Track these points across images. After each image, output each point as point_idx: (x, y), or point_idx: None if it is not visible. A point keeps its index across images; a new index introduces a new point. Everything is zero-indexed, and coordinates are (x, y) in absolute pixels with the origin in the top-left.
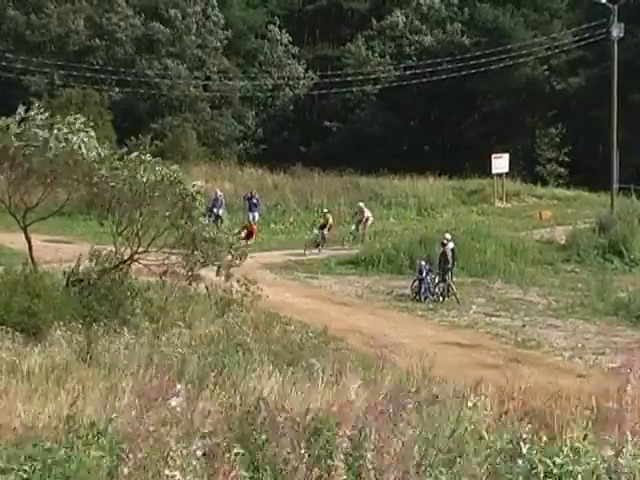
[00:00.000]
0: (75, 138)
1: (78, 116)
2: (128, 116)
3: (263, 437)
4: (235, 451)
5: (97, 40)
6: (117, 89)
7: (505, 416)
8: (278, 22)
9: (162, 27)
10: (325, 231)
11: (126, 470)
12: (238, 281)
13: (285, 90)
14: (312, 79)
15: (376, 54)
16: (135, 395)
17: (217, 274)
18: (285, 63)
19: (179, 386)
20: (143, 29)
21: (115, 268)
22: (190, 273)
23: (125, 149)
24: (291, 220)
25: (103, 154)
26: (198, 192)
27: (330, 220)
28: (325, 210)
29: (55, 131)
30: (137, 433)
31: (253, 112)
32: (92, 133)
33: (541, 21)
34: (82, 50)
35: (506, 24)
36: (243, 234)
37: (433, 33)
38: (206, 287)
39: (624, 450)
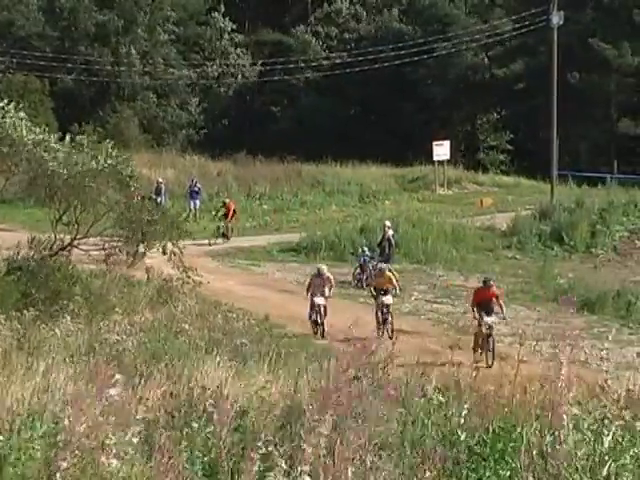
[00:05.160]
0: (7, 121)
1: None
2: (71, 104)
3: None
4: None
5: (46, 27)
6: (59, 76)
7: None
8: (223, 10)
9: (114, 16)
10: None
11: (62, 460)
12: (178, 268)
13: (227, 77)
14: (254, 65)
15: (319, 40)
16: (73, 383)
17: (164, 253)
18: (228, 50)
19: (118, 376)
20: (96, 17)
21: (55, 255)
22: (130, 257)
23: (65, 135)
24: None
25: (39, 137)
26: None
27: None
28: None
29: None
30: (73, 421)
31: (196, 99)
32: (22, 114)
33: (481, 8)
34: (28, 37)
35: (446, 10)
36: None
37: (374, 20)
38: (147, 273)
39: (561, 433)
